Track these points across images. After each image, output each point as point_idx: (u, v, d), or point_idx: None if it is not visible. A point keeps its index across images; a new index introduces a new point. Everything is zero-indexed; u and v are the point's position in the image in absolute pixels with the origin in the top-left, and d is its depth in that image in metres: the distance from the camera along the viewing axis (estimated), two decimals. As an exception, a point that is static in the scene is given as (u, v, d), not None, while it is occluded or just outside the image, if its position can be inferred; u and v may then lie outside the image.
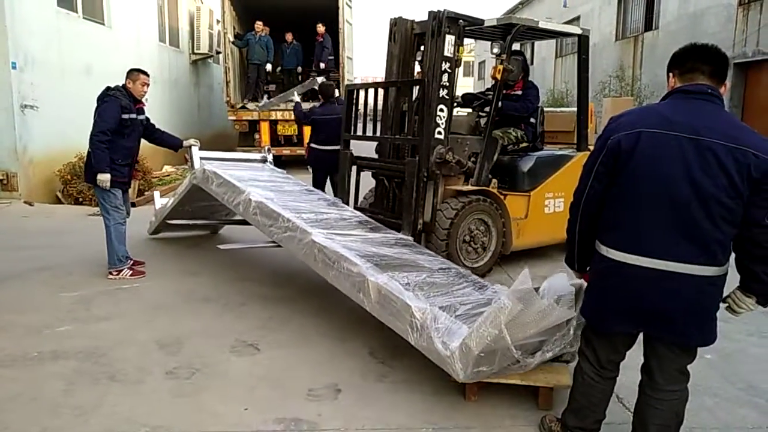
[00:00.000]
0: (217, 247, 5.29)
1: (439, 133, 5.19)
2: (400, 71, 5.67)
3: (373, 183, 5.99)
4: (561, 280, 2.99)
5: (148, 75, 5.32)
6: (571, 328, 3.04)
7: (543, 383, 3.03)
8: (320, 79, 11.88)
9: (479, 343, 2.76)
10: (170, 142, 5.70)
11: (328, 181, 7.20)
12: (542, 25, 5.78)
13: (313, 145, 7.25)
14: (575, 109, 6.57)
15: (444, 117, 5.21)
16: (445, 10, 5.17)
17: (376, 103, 5.78)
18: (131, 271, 5.20)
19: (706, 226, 2.19)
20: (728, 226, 2.20)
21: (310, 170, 7.35)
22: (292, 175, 6.02)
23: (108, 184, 4.97)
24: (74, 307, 4.41)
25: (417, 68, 5.75)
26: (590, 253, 2.51)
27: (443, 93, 5.19)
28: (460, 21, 5.22)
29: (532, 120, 6.17)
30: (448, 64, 5.19)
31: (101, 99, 5.13)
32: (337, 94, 7.66)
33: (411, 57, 5.66)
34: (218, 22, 14.39)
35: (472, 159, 5.49)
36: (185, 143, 5.66)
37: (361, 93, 6.13)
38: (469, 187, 5.36)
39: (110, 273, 5.15)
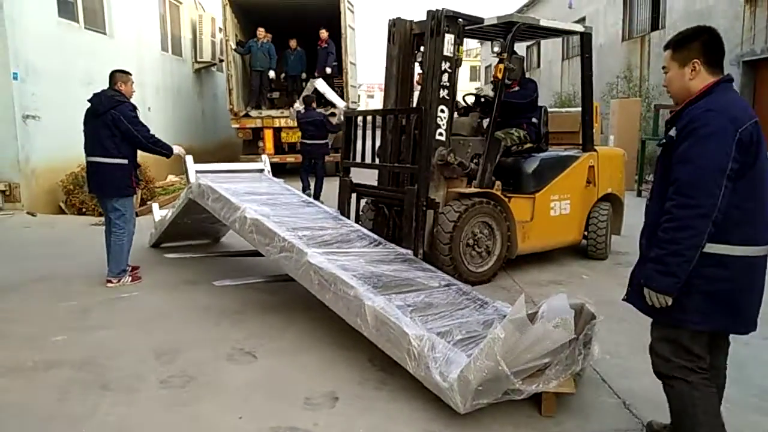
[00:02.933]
0: (213, 284, 5.10)
1: (440, 134, 5.10)
2: (400, 73, 5.59)
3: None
4: (561, 301, 2.90)
5: (131, 74, 5.32)
6: (576, 348, 2.94)
7: (547, 389, 2.92)
8: (319, 81, 11.96)
9: (477, 376, 2.71)
10: (165, 148, 5.43)
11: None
12: (543, 23, 5.70)
13: (301, 140, 10.25)
14: (580, 109, 6.47)
15: (445, 118, 5.11)
16: (443, 8, 5.09)
17: (374, 127, 5.67)
18: (131, 277, 5.21)
19: None
20: None
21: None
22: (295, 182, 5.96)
23: (186, 153, 5.61)
24: (71, 317, 4.36)
25: (417, 69, 5.69)
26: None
27: (444, 93, 5.11)
28: (460, 20, 5.14)
29: (535, 120, 6.05)
30: (448, 64, 5.11)
31: (114, 106, 5.01)
32: (314, 106, 10.38)
33: (411, 58, 5.59)
34: (220, 30, 14.40)
35: (475, 161, 5.40)
36: (175, 150, 5.45)
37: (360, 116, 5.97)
38: (472, 190, 5.25)
39: (109, 281, 5.11)
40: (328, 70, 12.75)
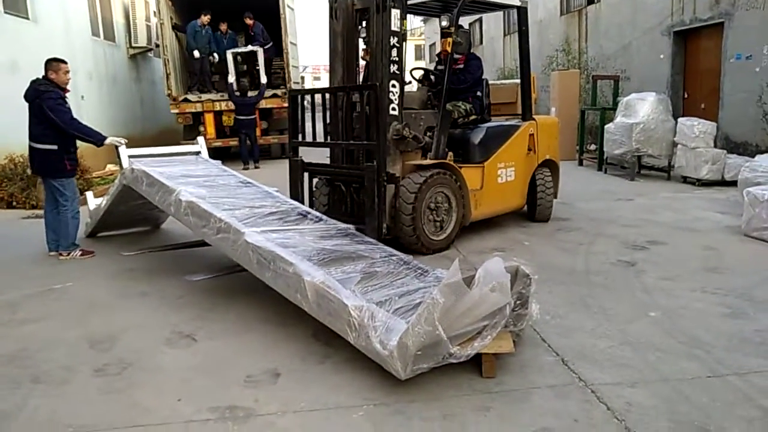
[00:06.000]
0: (185, 278, 4.80)
1: (393, 109, 5.13)
2: (345, 50, 5.55)
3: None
4: (497, 266, 2.93)
5: (67, 63, 5.29)
6: (508, 310, 2.97)
7: (486, 350, 2.95)
8: (258, 47, 11.98)
9: (415, 341, 2.71)
10: (92, 136, 5.40)
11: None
12: None
13: (236, 117, 11.92)
14: (516, 81, 6.62)
15: (396, 93, 5.15)
16: None
17: (323, 107, 5.65)
18: (81, 252, 5.43)
19: None
20: None
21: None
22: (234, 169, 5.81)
23: (123, 141, 5.58)
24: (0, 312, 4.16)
25: (361, 45, 5.65)
26: None
27: (394, 68, 5.12)
28: None
29: (479, 93, 6.27)
30: (395, 39, 5.12)
31: (38, 95, 5.23)
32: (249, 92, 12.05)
33: (354, 33, 5.56)
34: (155, 14, 13.87)
35: (429, 134, 5.50)
36: (108, 140, 5.44)
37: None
38: (429, 161, 5.36)
39: (60, 254, 5.44)
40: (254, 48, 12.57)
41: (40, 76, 5.34)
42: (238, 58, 12.58)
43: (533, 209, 6.53)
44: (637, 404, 2.73)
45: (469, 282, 2.79)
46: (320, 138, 6.04)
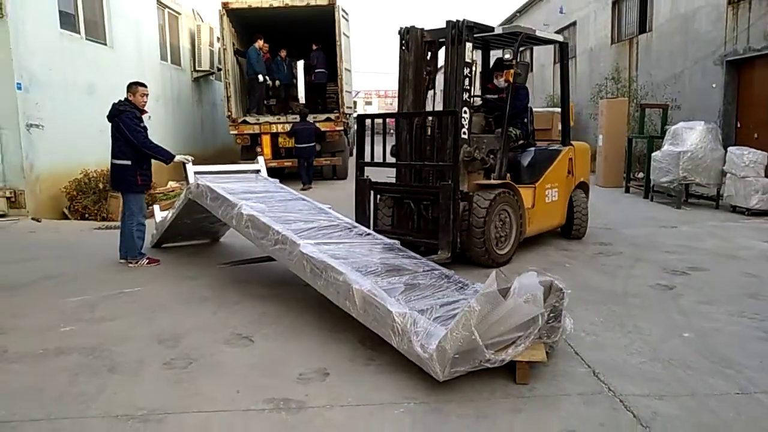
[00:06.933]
0: (218, 266, 5.38)
1: (464, 133, 5.59)
2: (414, 77, 6.02)
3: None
4: (531, 279, 3.16)
5: (146, 86, 5.80)
6: (541, 322, 3.18)
7: (520, 358, 3.17)
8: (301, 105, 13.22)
9: (453, 345, 2.96)
10: (162, 154, 5.92)
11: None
12: (539, 33, 6.50)
13: (296, 145, 12.51)
14: (550, 109, 7.12)
15: (467, 118, 5.63)
16: (464, 19, 5.64)
17: (391, 125, 6.12)
18: (148, 260, 5.88)
19: None
20: None
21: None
22: (290, 187, 6.21)
23: (190, 158, 6.02)
24: (78, 310, 4.60)
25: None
26: None
27: (465, 96, 5.62)
28: (475, 29, 5.70)
29: (525, 119, 6.74)
30: (467, 69, 5.62)
31: (117, 115, 5.72)
32: (308, 117, 12.75)
33: (423, 63, 6.06)
34: (218, 39, 14.69)
35: (492, 156, 5.92)
36: (177, 158, 5.94)
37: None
38: (495, 181, 5.82)
39: (128, 262, 5.89)
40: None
41: (122, 98, 5.86)
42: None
43: (569, 227, 6.97)
44: (663, 414, 2.89)
45: (505, 293, 3.03)
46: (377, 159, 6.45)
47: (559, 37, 7.03)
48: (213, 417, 2.93)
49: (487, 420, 2.85)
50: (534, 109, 8.79)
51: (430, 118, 5.90)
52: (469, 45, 5.61)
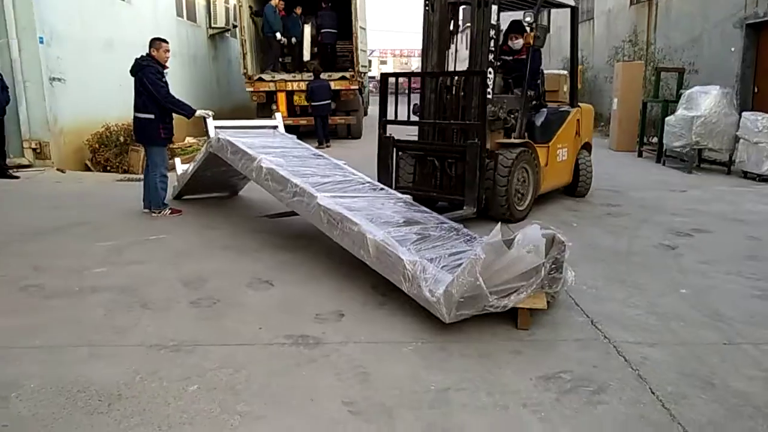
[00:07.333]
0: (258, 217, 5.76)
1: (489, 93, 5.75)
2: (439, 39, 6.16)
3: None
4: (534, 231, 3.36)
5: (168, 42, 5.91)
6: (543, 272, 3.39)
7: (521, 305, 3.40)
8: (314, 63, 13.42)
9: (459, 290, 3.19)
10: (184, 109, 6.11)
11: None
12: None
13: (312, 103, 12.50)
14: (558, 71, 7.28)
15: (491, 79, 5.79)
16: None
17: (406, 86, 6.35)
18: (170, 210, 6.14)
19: None
20: None
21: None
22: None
23: (210, 113, 6.16)
24: (108, 254, 4.88)
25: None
26: None
27: (491, 57, 5.78)
28: None
29: (538, 81, 6.82)
30: (493, 31, 5.76)
31: (140, 69, 5.87)
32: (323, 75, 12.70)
33: (447, 25, 6.22)
34: (234, -4, 14.67)
35: (513, 115, 6.10)
36: (198, 113, 6.12)
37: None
38: (516, 140, 6.02)
39: (152, 212, 6.12)
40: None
41: (143, 54, 6.01)
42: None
43: (574, 186, 7.26)
44: (652, 359, 3.12)
45: (509, 244, 3.24)
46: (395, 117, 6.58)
47: (571, 1, 7.14)
48: (237, 349, 3.21)
49: (489, 359, 3.10)
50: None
51: (454, 78, 6.05)
52: (494, 7, 5.74)
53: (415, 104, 6.31)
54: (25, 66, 8.58)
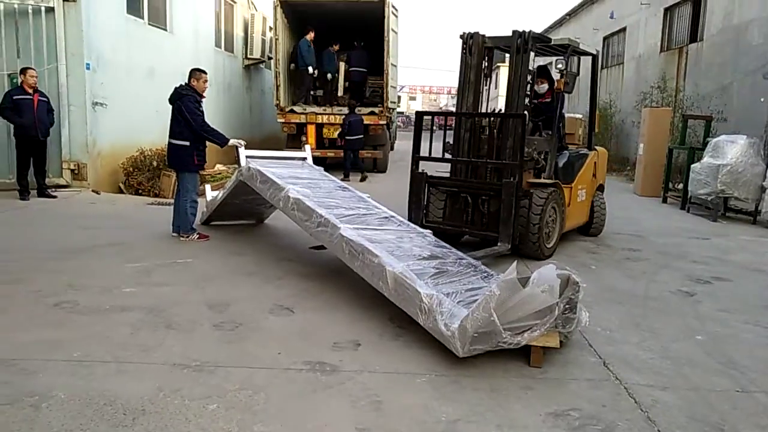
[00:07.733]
0: (309, 248, 5.92)
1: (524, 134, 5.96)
2: (475, 80, 6.46)
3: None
4: (549, 271, 3.45)
5: (207, 73, 6.20)
6: (557, 311, 3.47)
7: (535, 343, 3.47)
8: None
9: (474, 325, 3.29)
10: (218, 138, 6.37)
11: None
12: (582, 46, 6.96)
13: (346, 137, 12.70)
14: (575, 114, 7.64)
15: (526, 121, 6.02)
16: (530, 30, 6.10)
17: (439, 123, 6.54)
18: (198, 236, 6.32)
19: None
20: None
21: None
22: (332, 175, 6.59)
23: (243, 143, 6.39)
24: (137, 275, 5.08)
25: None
26: None
27: (526, 101, 6.11)
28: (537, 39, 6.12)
29: (560, 124, 6.90)
30: (529, 76, 6.08)
31: (179, 97, 6.14)
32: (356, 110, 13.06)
33: (482, 68, 6.51)
34: (271, 29, 15.20)
35: (543, 156, 6.34)
36: (231, 142, 6.37)
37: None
38: (547, 180, 6.27)
39: (181, 236, 6.33)
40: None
41: (182, 83, 6.31)
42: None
43: (589, 225, 7.46)
44: (662, 402, 3.15)
45: (524, 282, 3.33)
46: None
47: (592, 50, 7.49)
48: (257, 372, 3.33)
49: (500, 394, 3.17)
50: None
51: (490, 118, 6.33)
52: (532, 54, 6.04)
53: (447, 142, 6.56)
54: (71, 90, 9.01)
